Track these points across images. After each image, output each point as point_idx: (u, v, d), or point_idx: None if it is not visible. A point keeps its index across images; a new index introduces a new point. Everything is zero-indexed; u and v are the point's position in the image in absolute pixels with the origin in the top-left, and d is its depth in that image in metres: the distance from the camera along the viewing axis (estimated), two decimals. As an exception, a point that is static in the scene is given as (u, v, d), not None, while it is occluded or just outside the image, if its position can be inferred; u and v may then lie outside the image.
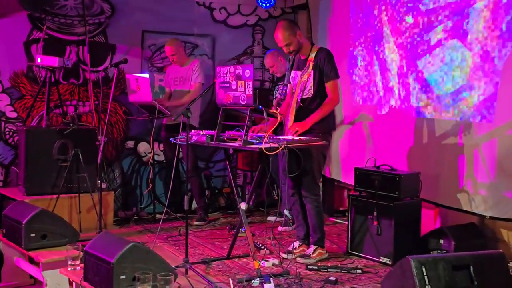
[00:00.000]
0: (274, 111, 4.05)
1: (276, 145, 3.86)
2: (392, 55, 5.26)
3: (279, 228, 5.67)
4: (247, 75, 3.94)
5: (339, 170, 6.10)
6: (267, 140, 3.85)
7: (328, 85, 4.43)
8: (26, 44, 5.74)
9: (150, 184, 5.83)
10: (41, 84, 5.61)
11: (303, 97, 4.48)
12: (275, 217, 5.72)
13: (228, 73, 4.10)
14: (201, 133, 4.31)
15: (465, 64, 4.51)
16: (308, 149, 4.32)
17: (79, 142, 5.36)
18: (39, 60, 5.40)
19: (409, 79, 5.07)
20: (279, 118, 4.03)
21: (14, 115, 5.73)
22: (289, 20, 4.65)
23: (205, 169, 6.66)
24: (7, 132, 5.71)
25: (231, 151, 4.37)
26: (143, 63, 6.30)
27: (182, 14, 6.41)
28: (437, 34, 4.75)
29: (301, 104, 4.47)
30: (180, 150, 6.03)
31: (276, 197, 6.50)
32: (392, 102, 5.28)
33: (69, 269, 3.90)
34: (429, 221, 5.17)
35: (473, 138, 4.49)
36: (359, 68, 5.75)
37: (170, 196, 6.26)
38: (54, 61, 5.38)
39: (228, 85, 4.12)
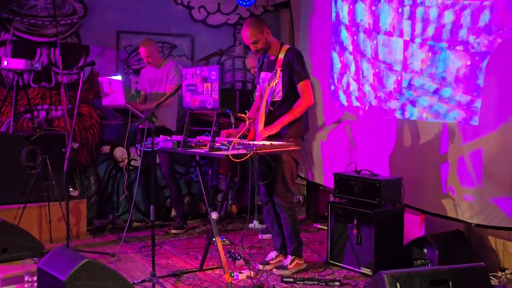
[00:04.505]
0: (242, 115, 3.80)
1: (245, 151, 3.62)
2: (373, 54, 5.02)
3: (259, 236, 5.43)
4: (213, 77, 3.70)
5: (322, 174, 5.86)
6: (234, 146, 3.61)
7: (300, 85, 4.18)
8: (-6, 46, 5.52)
9: (125, 191, 5.59)
10: (8, 87, 5.37)
11: (273, 100, 4.24)
12: (251, 225, 5.42)
13: (194, 75, 3.86)
14: (168, 138, 4.06)
15: (448, 66, 4.26)
16: (279, 155, 4.08)
17: (48, 148, 5.13)
18: (5, 63, 5.17)
19: (391, 80, 4.82)
20: (247, 122, 3.79)
21: (-18, 120, 5.50)
22: (256, 18, 4.43)
23: (185, 174, 6.43)
24: (-25, 139, 5.47)
25: (197, 157, 4.13)
26: (118, 65, 6.06)
27: (159, 13, 6.17)
28: (420, 34, 4.51)
29: (271, 108, 4.23)
30: (158, 155, 5.83)
31: (260, 203, 6.26)
32: (375, 104, 5.04)
33: (26, 286, 3.69)
34: (415, 227, 4.94)
35: (457, 141, 4.25)
36: (341, 69, 5.51)
37: (148, 203, 6.11)
38: (21, 64, 5.15)
39: (194, 87, 3.88)
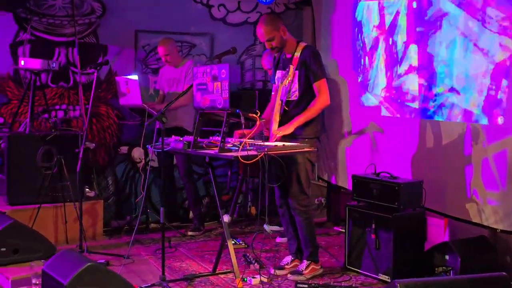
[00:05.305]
0: (253, 115, 3.67)
1: (255, 153, 3.49)
2: (397, 51, 4.84)
3: (277, 239, 5.30)
4: (223, 76, 3.59)
5: (346, 177, 5.68)
6: (244, 147, 3.48)
7: (316, 85, 4.03)
8: (13, 46, 5.49)
9: (142, 192, 5.50)
10: (25, 87, 5.35)
11: (288, 99, 4.10)
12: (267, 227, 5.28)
13: (204, 73, 3.75)
14: (180, 139, 3.97)
15: (473, 62, 4.06)
16: (294, 157, 3.93)
17: (64, 149, 5.08)
18: (22, 63, 5.15)
19: (415, 78, 4.63)
20: (258, 122, 3.66)
21: (1, 120, 5.48)
22: (273, 14, 4.29)
23: (204, 175, 6.33)
24: (-7, 139, 5.47)
25: (207, 158, 4.01)
26: (136, 64, 5.99)
27: (178, 12, 6.08)
28: (448, 29, 4.31)
29: (286, 108, 4.09)
30: (175, 156, 5.75)
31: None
32: (398, 104, 4.85)
33: (33, 288, 3.64)
34: (439, 231, 4.74)
35: (481, 142, 4.04)
36: (364, 67, 5.33)
37: (165, 204, 6.01)
38: (37, 63, 5.13)
39: (205, 87, 3.77)
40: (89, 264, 3.07)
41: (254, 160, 3.46)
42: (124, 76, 5.32)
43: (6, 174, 5.04)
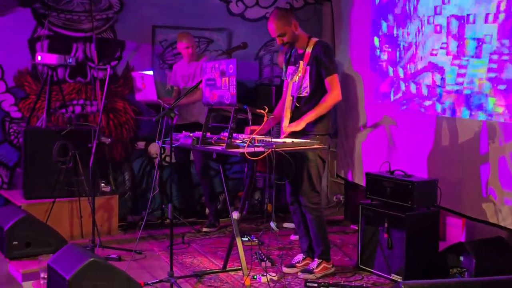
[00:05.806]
0: (260, 111, 3.61)
1: (262, 149, 3.44)
2: (413, 47, 4.73)
3: (291, 237, 5.24)
4: (231, 71, 3.54)
5: (361, 174, 5.59)
6: (250, 143, 3.43)
7: (328, 80, 3.96)
8: (31, 41, 5.53)
9: (157, 188, 5.51)
10: (43, 82, 5.39)
11: (300, 95, 4.03)
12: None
13: (213, 69, 3.71)
14: (190, 134, 3.94)
15: (491, 57, 3.94)
16: (304, 153, 3.86)
17: (79, 144, 5.10)
18: (39, 58, 5.19)
19: (430, 76, 4.52)
20: (265, 118, 3.61)
21: (19, 115, 5.53)
22: (284, 9, 4.23)
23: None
24: (12, 133, 5.52)
25: (214, 155, 3.95)
26: (154, 60, 5.99)
27: (195, 7, 6.05)
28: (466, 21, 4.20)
29: (297, 104, 4.02)
30: (192, 152, 5.73)
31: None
32: (415, 101, 4.74)
33: (42, 282, 3.67)
34: (457, 231, 4.64)
35: (498, 140, 3.91)
36: (381, 62, 5.22)
37: (182, 200, 6.03)
38: (53, 58, 5.16)
39: (213, 82, 3.73)
40: (92, 259, 3.07)
41: (261, 156, 3.41)
42: (140, 72, 5.32)
43: (23, 168, 5.10)
